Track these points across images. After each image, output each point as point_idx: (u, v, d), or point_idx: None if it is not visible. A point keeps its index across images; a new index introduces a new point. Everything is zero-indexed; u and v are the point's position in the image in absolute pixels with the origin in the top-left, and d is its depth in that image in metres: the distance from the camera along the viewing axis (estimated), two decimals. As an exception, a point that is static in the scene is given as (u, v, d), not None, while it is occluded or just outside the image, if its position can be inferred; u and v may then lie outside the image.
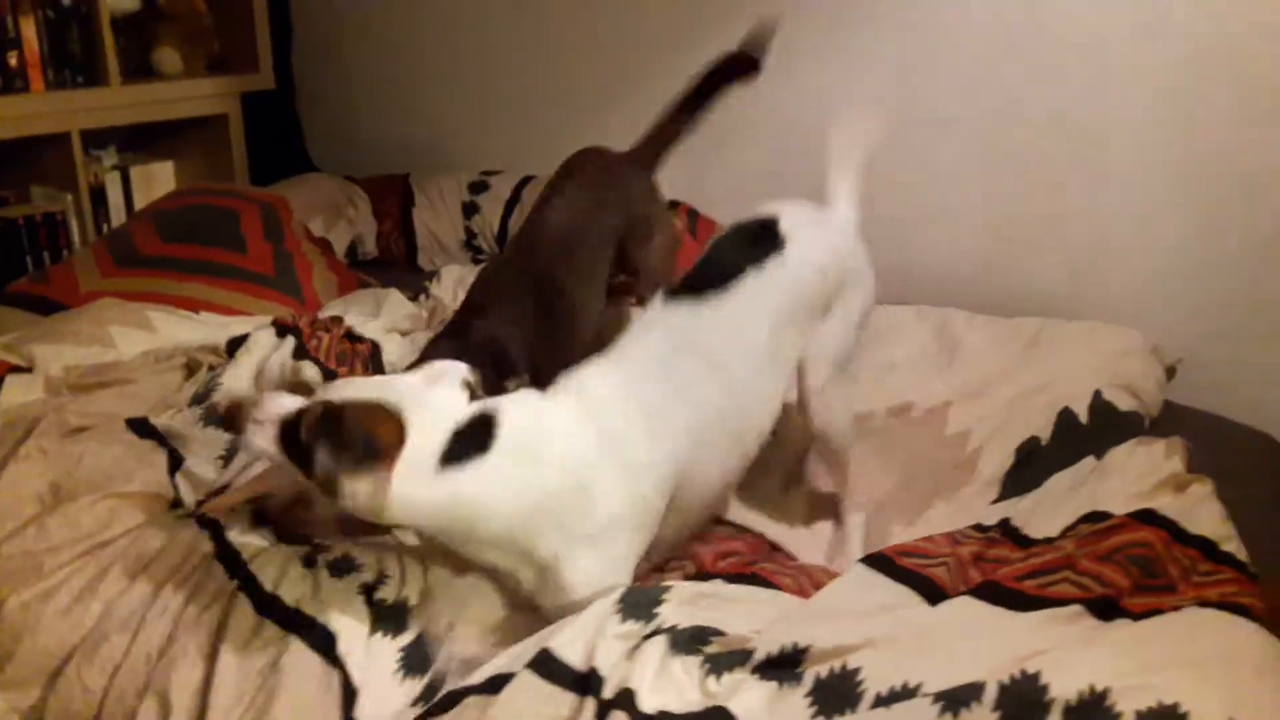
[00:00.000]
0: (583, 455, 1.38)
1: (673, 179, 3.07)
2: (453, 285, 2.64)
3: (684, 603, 1.35)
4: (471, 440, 1.31)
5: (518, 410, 1.38)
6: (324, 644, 1.37)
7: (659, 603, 1.34)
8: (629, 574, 1.44)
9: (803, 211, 1.83)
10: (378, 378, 1.75)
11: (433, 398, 1.32)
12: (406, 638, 1.41)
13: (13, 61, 2.79)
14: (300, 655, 1.36)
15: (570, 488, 1.36)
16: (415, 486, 1.28)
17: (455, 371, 1.38)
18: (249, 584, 1.47)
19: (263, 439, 1.31)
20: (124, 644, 1.44)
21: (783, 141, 2.91)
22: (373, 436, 1.24)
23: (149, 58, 3.30)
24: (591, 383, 1.48)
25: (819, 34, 2.78)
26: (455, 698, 1.27)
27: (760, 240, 1.71)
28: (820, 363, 1.71)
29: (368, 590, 1.45)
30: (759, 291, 1.63)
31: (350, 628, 1.39)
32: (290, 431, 1.28)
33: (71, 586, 1.50)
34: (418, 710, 1.31)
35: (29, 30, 2.81)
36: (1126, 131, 2.48)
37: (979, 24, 2.58)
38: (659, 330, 1.59)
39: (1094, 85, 2.49)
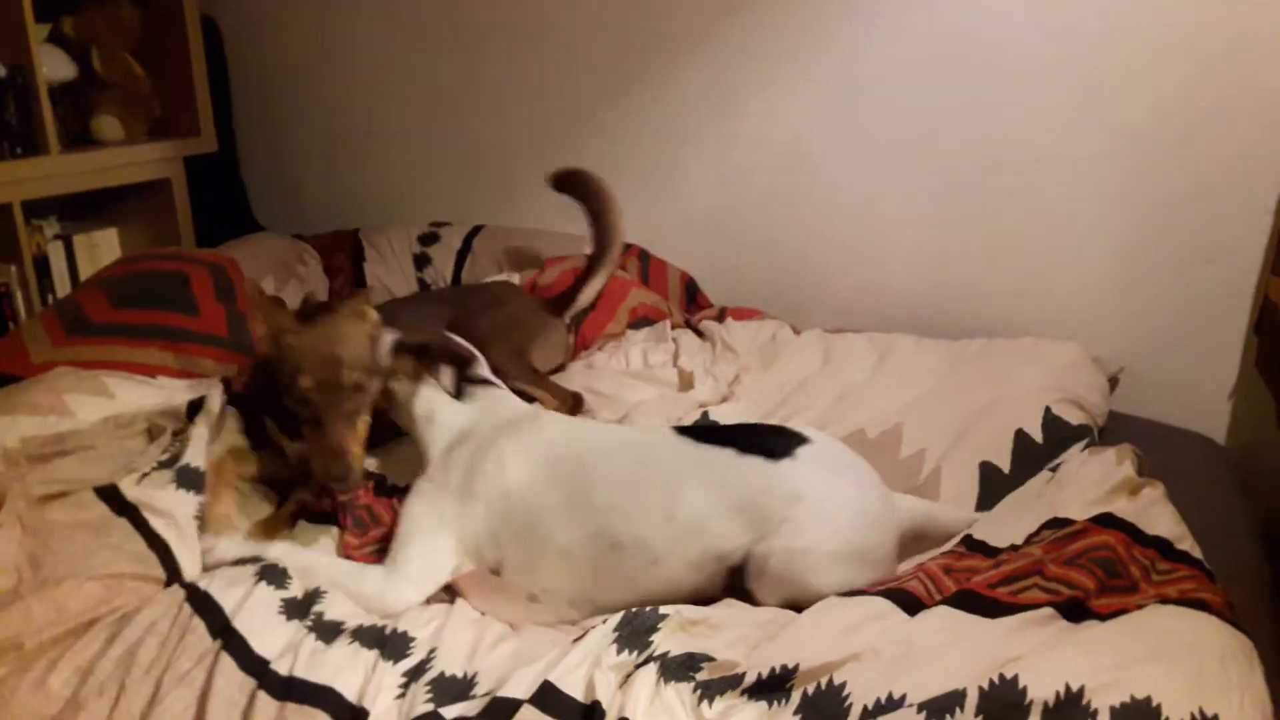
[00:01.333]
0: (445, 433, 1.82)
1: (624, 222, 3.14)
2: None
3: (677, 629, 1.38)
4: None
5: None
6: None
7: (654, 630, 1.38)
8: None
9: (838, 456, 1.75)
10: None
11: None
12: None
13: (-50, 135, 2.77)
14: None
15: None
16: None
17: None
18: (232, 642, 1.47)
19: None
20: (104, 711, 1.43)
21: (728, 184, 3.00)
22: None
23: (88, 125, 3.28)
24: (512, 407, 1.89)
25: (760, 78, 2.87)
26: None
27: (775, 442, 1.69)
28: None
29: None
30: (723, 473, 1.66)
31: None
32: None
33: (50, 657, 1.49)
34: None
35: (-35, 102, 2.79)
36: (1055, 158, 2.59)
37: (911, 60, 2.68)
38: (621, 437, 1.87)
39: (1020, 117, 2.60)
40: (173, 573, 1.70)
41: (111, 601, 1.61)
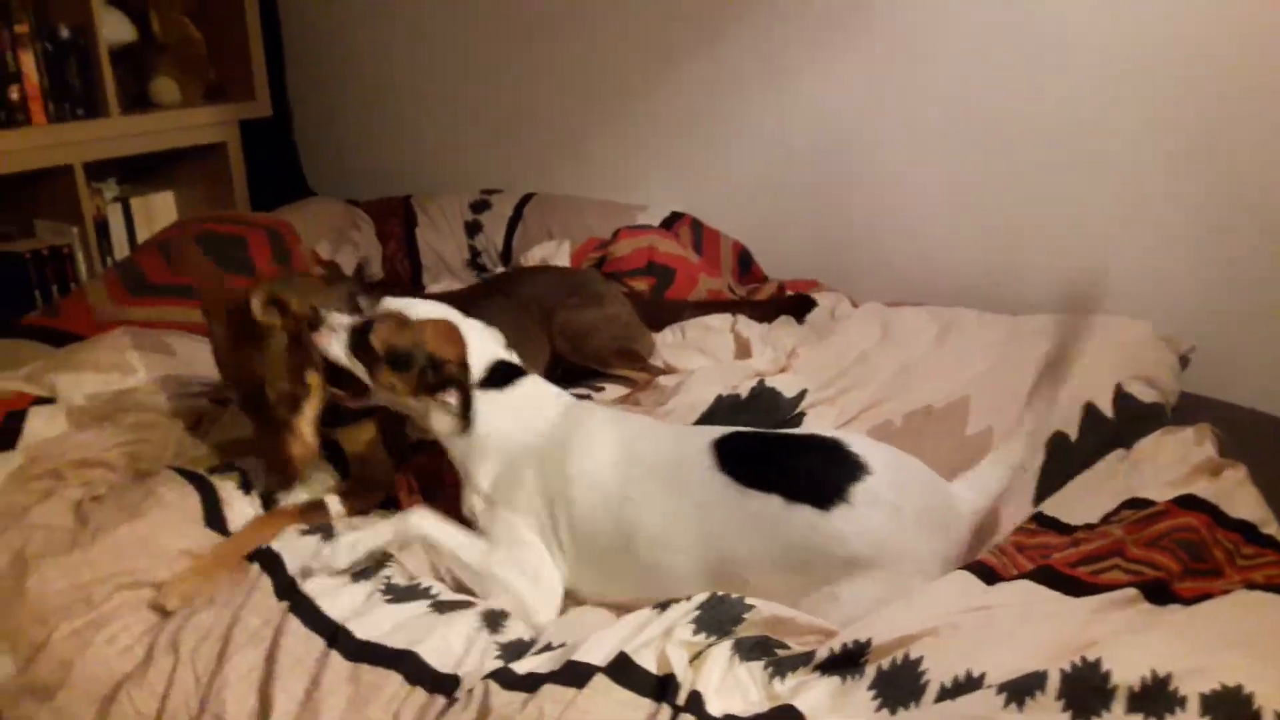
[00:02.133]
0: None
1: (674, 191, 3.12)
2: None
3: (761, 626, 1.36)
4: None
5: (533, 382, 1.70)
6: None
7: (737, 622, 1.35)
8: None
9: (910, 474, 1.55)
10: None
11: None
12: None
13: (14, 95, 2.78)
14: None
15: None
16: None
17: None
18: (299, 604, 1.48)
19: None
20: (171, 666, 1.44)
21: (780, 152, 2.95)
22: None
23: (146, 88, 3.29)
24: (595, 415, 1.70)
25: (813, 46, 2.81)
26: (534, 681, 1.28)
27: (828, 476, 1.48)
28: None
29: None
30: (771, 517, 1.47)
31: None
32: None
33: (120, 614, 1.51)
34: None
35: (28, 63, 2.80)
36: (1117, 126, 2.52)
37: (967, 32, 2.61)
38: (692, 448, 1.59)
39: (1082, 89, 2.53)
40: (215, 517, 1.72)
41: (168, 550, 1.62)
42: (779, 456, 1.54)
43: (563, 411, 1.67)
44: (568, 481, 1.58)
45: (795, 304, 2.62)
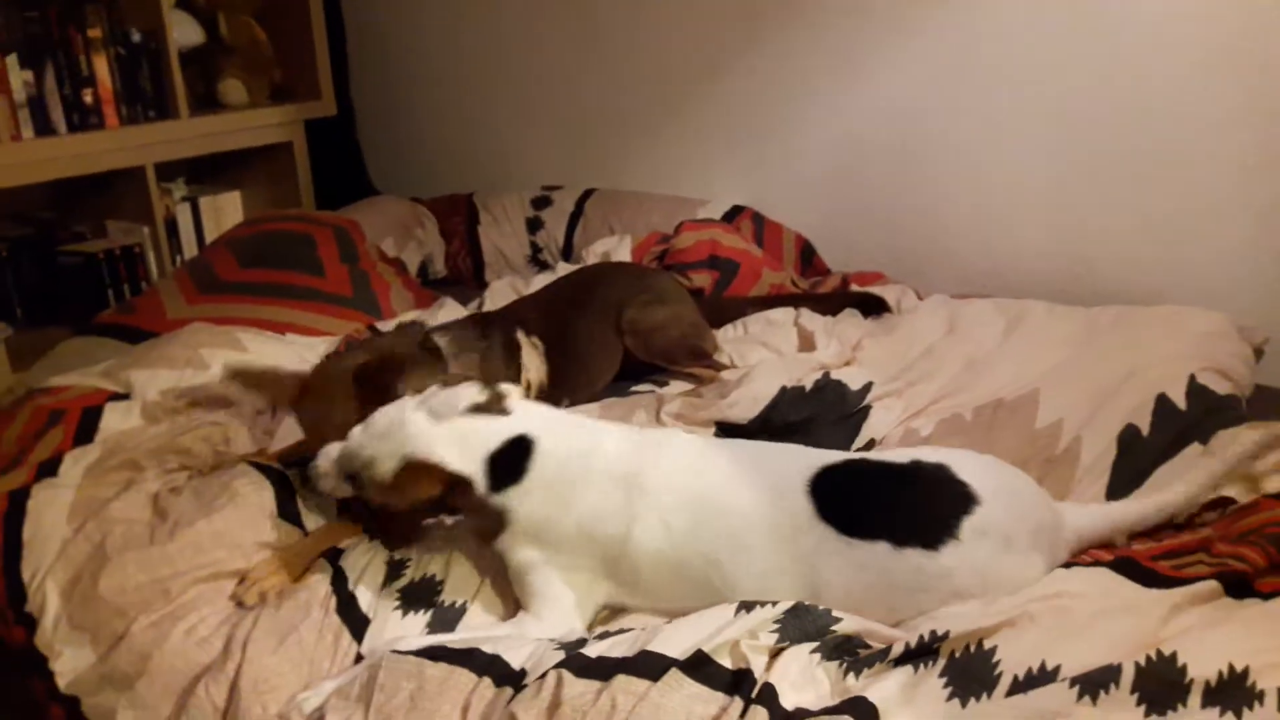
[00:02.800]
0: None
1: (736, 185, 3.12)
2: (504, 289, 2.80)
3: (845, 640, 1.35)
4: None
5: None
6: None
7: (823, 634, 1.33)
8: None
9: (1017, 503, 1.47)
10: None
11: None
12: None
13: (88, 99, 2.85)
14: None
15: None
16: None
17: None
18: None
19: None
20: (243, 660, 1.46)
21: (845, 144, 2.93)
22: None
23: (214, 90, 3.35)
24: (661, 469, 1.52)
25: (881, 38, 2.79)
26: (607, 668, 1.28)
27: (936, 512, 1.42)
28: None
29: None
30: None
31: None
32: None
33: (197, 608, 1.54)
34: None
35: (102, 68, 2.87)
36: (1191, 116, 2.47)
37: (1041, 20, 2.57)
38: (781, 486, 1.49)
39: (1154, 73, 2.48)
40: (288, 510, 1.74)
41: (244, 545, 1.65)
42: (881, 494, 1.46)
43: (616, 473, 1.50)
44: (632, 548, 1.48)
45: (864, 301, 2.57)
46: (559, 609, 1.50)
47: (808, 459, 1.52)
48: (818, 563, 1.41)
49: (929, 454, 1.52)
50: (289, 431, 1.98)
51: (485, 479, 1.48)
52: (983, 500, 1.40)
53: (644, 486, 1.49)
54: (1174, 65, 2.45)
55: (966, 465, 1.46)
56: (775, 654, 1.31)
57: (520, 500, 1.49)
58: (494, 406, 1.52)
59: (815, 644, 1.31)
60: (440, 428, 1.48)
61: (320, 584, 1.56)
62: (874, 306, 2.55)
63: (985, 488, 1.41)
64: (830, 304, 2.56)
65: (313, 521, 1.75)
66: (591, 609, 1.53)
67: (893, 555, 1.38)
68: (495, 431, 1.50)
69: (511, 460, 1.49)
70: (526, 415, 1.54)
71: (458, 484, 1.47)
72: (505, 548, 1.52)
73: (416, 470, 1.46)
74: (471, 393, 1.53)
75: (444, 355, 1.89)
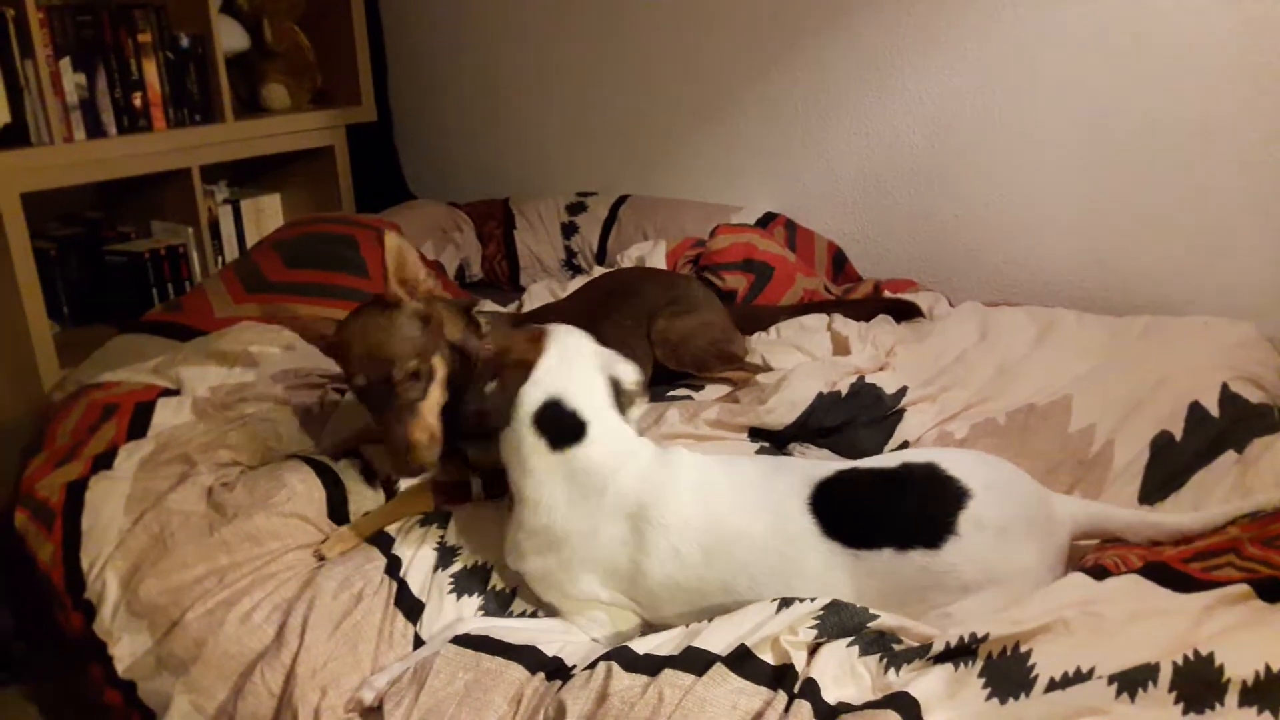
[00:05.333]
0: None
1: (769, 192, 3.15)
2: (542, 291, 2.87)
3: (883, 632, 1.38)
4: None
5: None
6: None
7: (859, 630, 1.36)
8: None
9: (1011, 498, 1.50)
10: None
11: None
12: None
13: (137, 102, 2.92)
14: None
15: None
16: None
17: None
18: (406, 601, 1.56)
19: None
20: (298, 647, 1.51)
21: (877, 153, 2.96)
22: None
23: (257, 94, 3.42)
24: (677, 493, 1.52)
25: (915, 47, 2.82)
26: (654, 663, 1.32)
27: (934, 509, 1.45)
28: None
29: None
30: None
31: None
32: None
33: (250, 594, 1.59)
34: None
35: (151, 72, 2.94)
36: (1223, 129, 2.49)
37: (1072, 30, 2.60)
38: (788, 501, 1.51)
39: (1187, 85, 2.50)
40: (337, 509, 1.80)
41: (300, 538, 1.70)
42: (879, 502, 1.49)
43: (629, 487, 1.51)
44: (645, 573, 1.50)
45: (897, 307, 2.60)
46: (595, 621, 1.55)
47: (804, 475, 1.53)
48: (828, 579, 1.44)
49: (917, 455, 1.57)
50: (338, 427, 2.02)
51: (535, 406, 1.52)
52: (974, 493, 1.44)
53: (652, 519, 1.50)
54: (1205, 79, 2.47)
55: (955, 462, 1.50)
56: (813, 649, 1.34)
57: (548, 470, 1.52)
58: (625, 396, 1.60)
59: (852, 638, 1.35)
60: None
61: (374, 571, 1.61)
62: (906, 312, 2.58)
63: (975, 481, 1.45)
64: (863, 309, 2.59)
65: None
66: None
67: (898, 559, 1.42)
68: (570, 385, 1.55)
69: (563, 425, 1.53)
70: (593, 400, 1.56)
71: (522, 363, 1.55)
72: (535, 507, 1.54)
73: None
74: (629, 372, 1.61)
75: (482, 330, 1.92)
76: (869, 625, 1.36)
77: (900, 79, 2.86)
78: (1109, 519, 1.57)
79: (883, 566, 1.42)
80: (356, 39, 3.49)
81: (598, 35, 3.36)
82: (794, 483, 1.52)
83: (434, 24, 3.69)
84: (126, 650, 1.62)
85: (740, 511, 1.50)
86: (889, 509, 1.47)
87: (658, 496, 1.50)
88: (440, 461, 1.73)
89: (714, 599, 1.47)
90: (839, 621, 1.36)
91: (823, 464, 1.60)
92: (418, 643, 1.52)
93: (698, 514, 1.50)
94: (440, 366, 1.74)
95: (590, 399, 1.54)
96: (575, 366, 1.56)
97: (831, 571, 1.44)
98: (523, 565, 1.57)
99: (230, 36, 3.22)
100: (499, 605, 1.58)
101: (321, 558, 1.68)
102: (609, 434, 1.54)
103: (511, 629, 1.50)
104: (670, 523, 1.49)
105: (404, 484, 1.85)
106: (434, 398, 1.72)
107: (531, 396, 1.52)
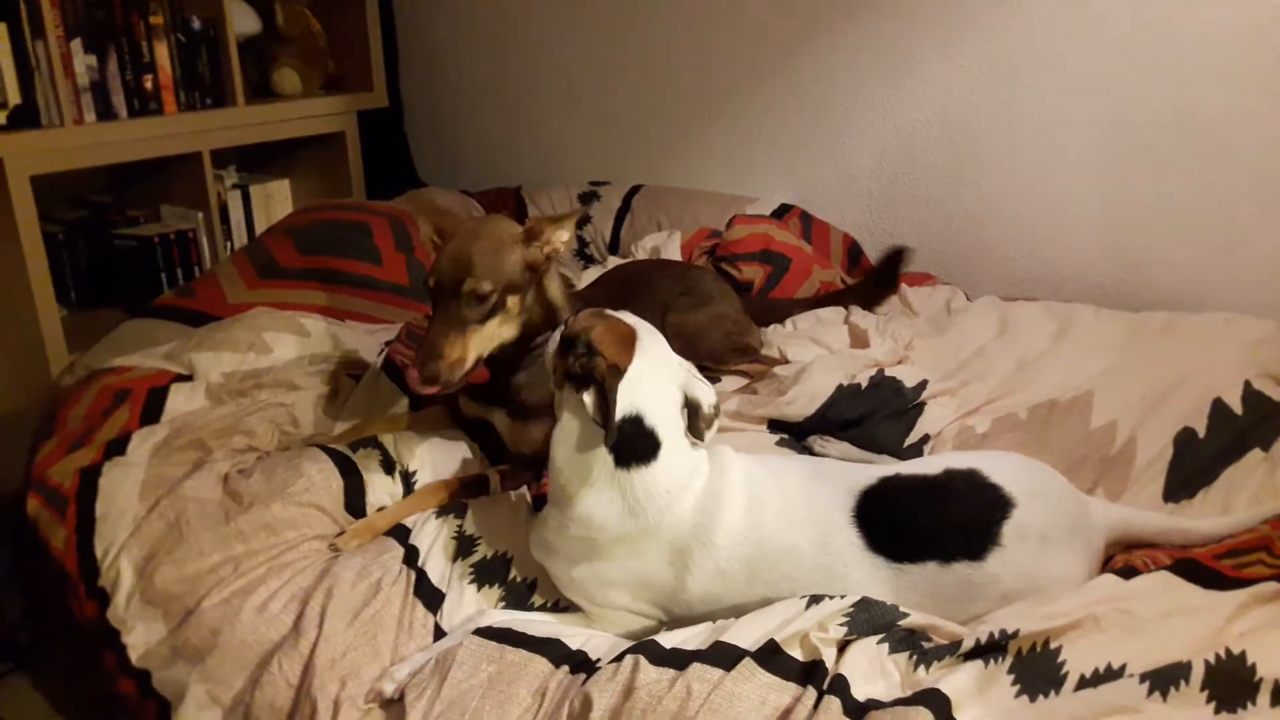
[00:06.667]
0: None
1: (784, 182, 3.13)
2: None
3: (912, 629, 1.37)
4: None
5: None
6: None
7: (889, 628, 1.35)
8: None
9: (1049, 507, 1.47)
10: None
11: None
12: None
13: (148, 85, 2.89)
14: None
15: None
16: None
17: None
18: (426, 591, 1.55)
19: None
20: (316, 637, 1.50)
21: (894, 145, 2.94)
22: None
23: (268, 79, 3.40)
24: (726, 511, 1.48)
25: (933, 39, 2.79)
26: (682, 658, 1.30)
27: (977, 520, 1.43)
28: None
29: None
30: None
31: None
32: None
33: (268, 584, 1.57)
34: None
35: (163, 54, 2.91)
36: (1243, 124, 2.46)
37: (1092, 23, 2.57)
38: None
39: (1208, 81, 2.47)
40: (355, 501, 1.78)
41: (316, 528, 1.69)
42: (923, 512, 1.46)
43: (685, 515, 1.47)
44: (686, 589, 1.48)
45: (882, 272, 2.60)
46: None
47: (848, 484, 1.50)
48: (870, 592, 1.41)
49: (958, 459, 1.54)
50: (355, 410, 2.01)
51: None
52: (1018, 502, 1.42)
53: (703, 540, 1.46)
54: (1226, 74, 2.45)
55: (997, 467, 1.48)
56: (843, 647, 1.33)
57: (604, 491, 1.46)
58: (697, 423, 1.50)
59: (882, 636, 1.33)
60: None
61: (393, 561, 1.59)
62: (890, 268, 2.57)
63: (1018, 489, 1.43)
64: (863, 293, 2.59)
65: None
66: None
67: (941, 572, 1.40)
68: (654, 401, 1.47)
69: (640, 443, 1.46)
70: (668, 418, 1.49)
71: (616, 368, 1.44)
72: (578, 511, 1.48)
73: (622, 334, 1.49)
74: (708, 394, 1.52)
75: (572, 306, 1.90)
76: (899, 624, 1.35)
77: (918, 71, 2.84)
78: (1141, 524, 1.56)
79: (925, 579, 1.41)
80: (369, 25, 3.47)
81: (612, 24, 3.34)
82: (838, 491, 1.49)
83: (446, 10, 3.66)
84: (140, 639, 1.61)
85: (787, 527, 1.47)
86: (933, 521, 1.44)
87: (712, 518, 1.46)
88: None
89: (751, 610, 1.43)
90: (869, 619, 1.34)
91: (865, 469, 1.57)
92: (438, 633, 1.50)
93: (746, 531, 1.46)
94: (514, 307, 1.72)
95: (668, 419, 1.47)
96: (660, 380, 1.48)
97: (874, 585, 1.42)
98: (552, 565, 1.54)
99: (242, 20, 3.19)
100: (519, 596, 1.57)
101: (337, 550, 1.67)
102: (677, 458, 1.47)
103: (534, 622, 1.48)
104: (720, 543, 1.46)
105: (421, 480, 1.84)
106: (489, 329, 1.70)
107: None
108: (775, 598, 1.44)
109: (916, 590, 1.41)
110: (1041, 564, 1.40)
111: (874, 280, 2.62)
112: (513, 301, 1.71)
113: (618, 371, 1.43)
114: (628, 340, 1.48)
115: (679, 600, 1.49)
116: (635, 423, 1.44)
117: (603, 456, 1.44)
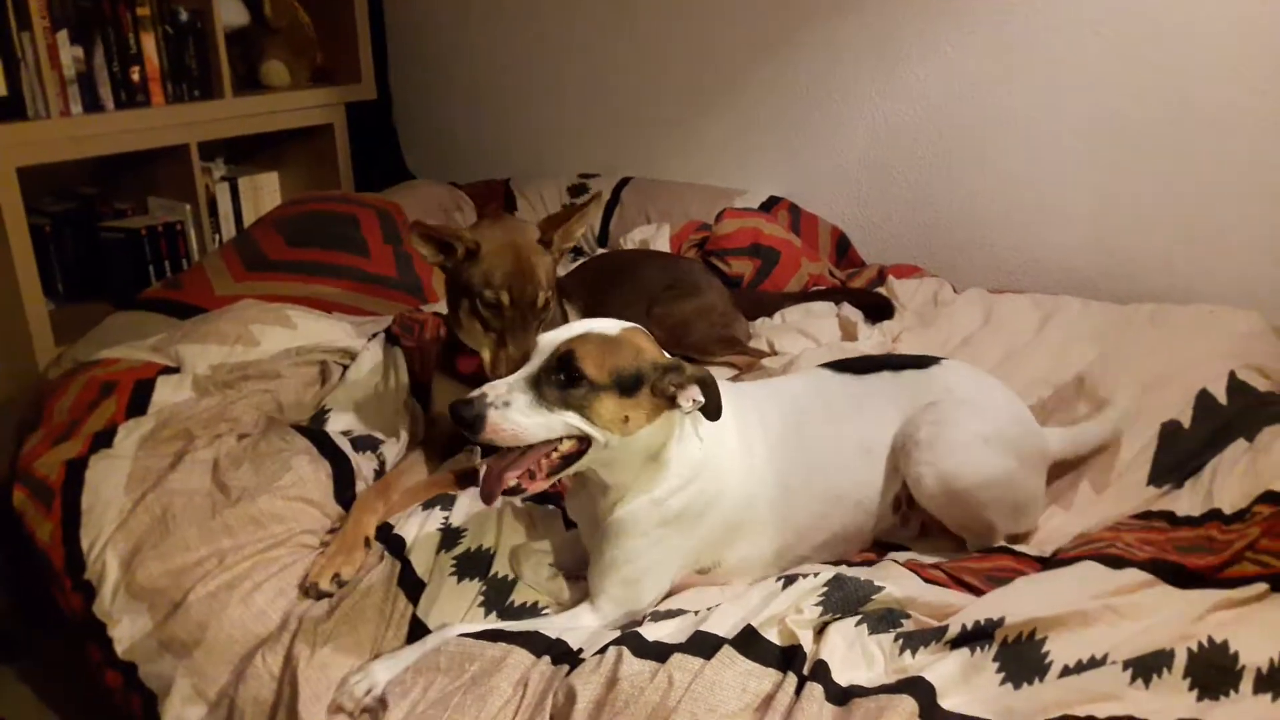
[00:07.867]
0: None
1: (773, 174, 3.13)
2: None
3: (886, 607, 1.38)
4: None
5: None
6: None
7: (864, 603, 1.36)
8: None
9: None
10: None
11: None
12: None
13: (135, 76, 2.88)
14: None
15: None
16: None
17: None
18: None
19: None
20: (297, 630, 1.49)
21: (882, 138, 2.95)
22: None
23: (256, 71, 3.38)
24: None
25: (925, 33, 2.80)
26: (663, 650, 1.30)
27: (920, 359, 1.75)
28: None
29: None
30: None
31: None
32: None
33: (253, 578, 1.57)
34: None
35: (149, 46, 2.90)
36: (1232, 120, 2.47)
37: (1083, 18, 2.58)
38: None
39: (1198, 77, 2.49)
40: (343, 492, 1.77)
41: (304, 522, 1.68)
42: (878, 358, 1.84)
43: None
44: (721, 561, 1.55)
45: (873, 303, 2.55)
46: (653, 592, 1.51)
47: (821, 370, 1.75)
48: (850, 402, 1.65)
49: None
50: (340, 399, 2.01)
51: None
52: (953, 360, 1.78)
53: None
54: (1215, 70, 2.46)
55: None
56: (820, 629, 1.34)
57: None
58: None
59: (860, 617, 1.34)
60: None
61: (375, 551, 1.59)
62: (878, 311, 2.51)
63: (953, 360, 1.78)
64: (848, 297, 2.57)
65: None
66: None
67: (895, 376, 1.67)
68: None
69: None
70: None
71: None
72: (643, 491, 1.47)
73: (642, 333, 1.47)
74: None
75: None
76: (874, 597, 1.37)
77: (908, 64, 2.84)
78: (1082, 443, 1.82)
79: (884, 382, 1.66)
80: (357, 16, 3.46)
81: (601, 15, 3.33)
82: (819, 370, 1.75)
83: (434, 3, 3.65)
84: (126, 632, 1.60)
85: (786, 395, 1.66)
86: (886, 360, 1.79)
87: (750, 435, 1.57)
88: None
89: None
90: (843, 596, 1.36)
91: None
92: (415, 623, 1.49)
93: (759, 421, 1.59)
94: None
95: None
96: None
97: (852, 394, 1.65)
98: (623, 547, 1.48)
99: (230, 11, 3.18)
100: (498, 594, 1.55)
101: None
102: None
103: (513, 625, 1.47)
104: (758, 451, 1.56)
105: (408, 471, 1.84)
106: (532, 339, 1.71)
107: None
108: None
109: (883, 394, 1.65)
110: (978, 383, 1.70)
111: (855, 301, 2.58)
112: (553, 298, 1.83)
113: (708, 374, 1.41)
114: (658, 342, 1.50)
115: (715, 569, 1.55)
116: None
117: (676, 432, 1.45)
